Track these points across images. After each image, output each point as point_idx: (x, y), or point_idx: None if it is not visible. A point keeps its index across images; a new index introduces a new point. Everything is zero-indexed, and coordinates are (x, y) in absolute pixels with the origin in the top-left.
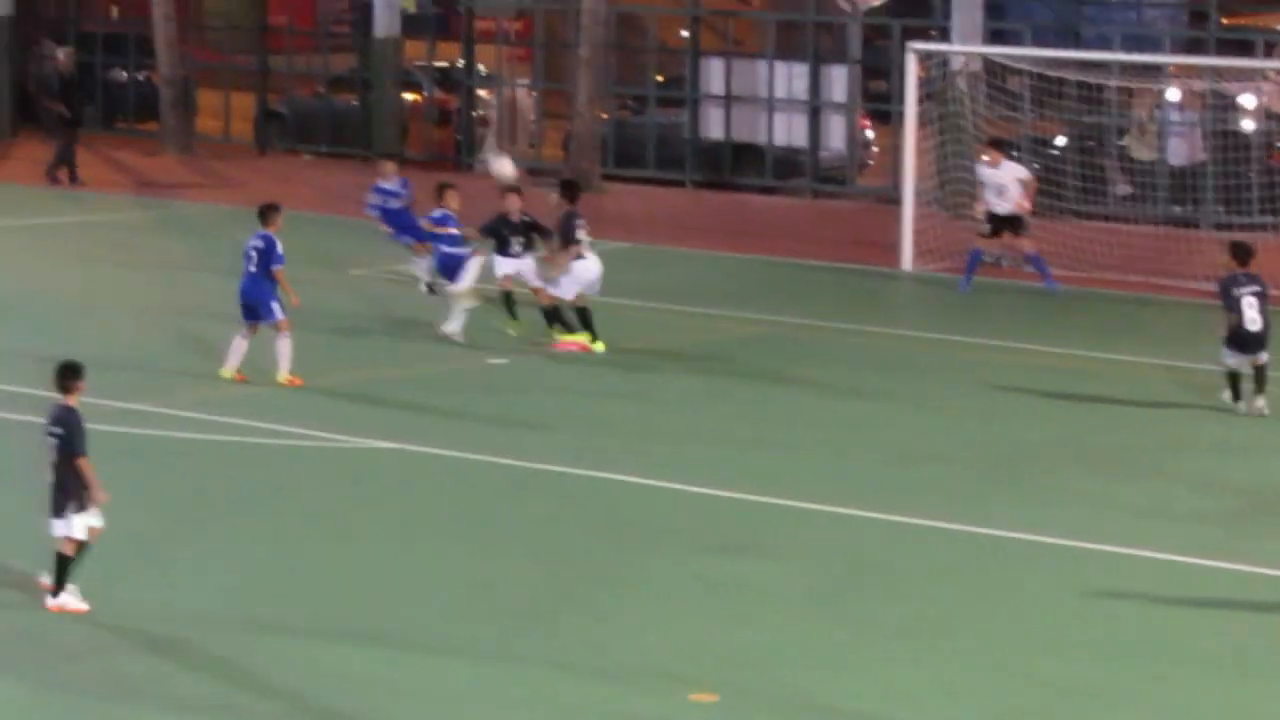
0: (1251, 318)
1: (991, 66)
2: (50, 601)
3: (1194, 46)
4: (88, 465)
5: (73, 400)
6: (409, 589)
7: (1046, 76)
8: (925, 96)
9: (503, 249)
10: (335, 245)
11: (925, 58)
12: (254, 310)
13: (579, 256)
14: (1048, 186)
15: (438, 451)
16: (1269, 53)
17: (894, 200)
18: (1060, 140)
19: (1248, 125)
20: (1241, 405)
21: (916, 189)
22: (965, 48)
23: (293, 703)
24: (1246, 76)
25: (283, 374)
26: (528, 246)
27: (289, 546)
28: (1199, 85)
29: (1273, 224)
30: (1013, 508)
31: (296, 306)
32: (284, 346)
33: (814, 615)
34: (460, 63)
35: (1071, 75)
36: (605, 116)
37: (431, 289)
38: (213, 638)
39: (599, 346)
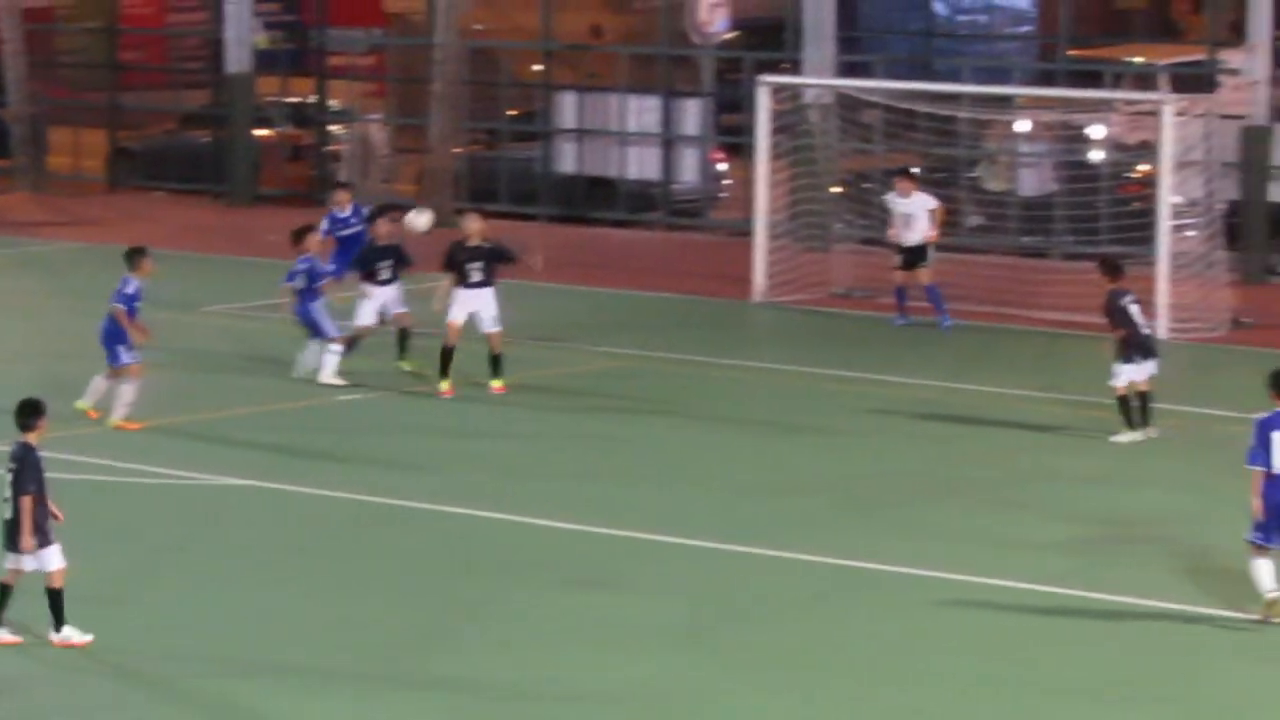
0: (1143, 322)
1: (844, 99)
2: (54, 637)
3: (1044, 78)
4: (26, 504)
5: (32, 438)
6: (271, 626)
7: (898, 109)
8: (778, 129)
9: (371, 276)
10: (187, 282)
11: (778, 90)
12: (107, 352)
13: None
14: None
15: (295, 489)
16: (1117, 84)
17: (747, 233)
18: (913, 172)
19: (1097, 156)
20: (1153, 430)
21: (769, 221)
22: (817, 80)
23: None
24: (1095, 108)
25: (116, 418)
26: (396, 272)
27: (147, 584)
28: (1049, 117)
29: (1122, 254)
30: (872, 539)
31: (145, 342)
32: (127, 392)
33: (675, 648)
34: (313, 98)
35: (923, 107)
36: (459, 151)
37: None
38: (66, 673)
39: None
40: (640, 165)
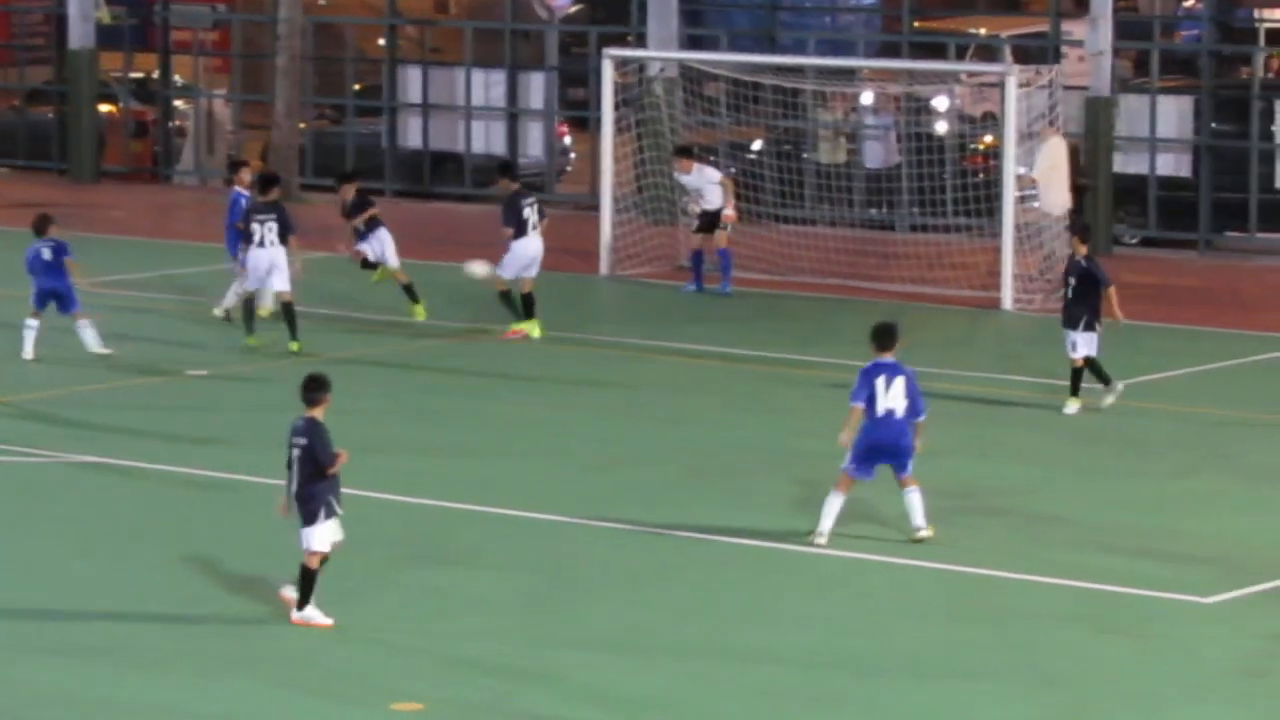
0: None
1: (688, 72)
2: (294, 615)
3: (888, 50)
4: (336, 469)
5: (318, 413)
6: (116, 603)
7: (743, 82)
8: (622, 103)
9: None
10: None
11: (622, 64)
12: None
13: (520, 235)
14: (745, 191)
15: (143, 465)
16: (961, 56)
17: (593, 207)
18: (757, 145)
19: (942, 128)
20: (1119, 384)
21: (615, 195)
22: (661, 53)
23: None
24: (940, 79)
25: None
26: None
27: None
28: (894, 89)
29: (967, 225)
30: (713, 510)
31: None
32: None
33: (519, 622)
34: (157, 74)
35: (768, 80)
36: (304, 126)
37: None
38: None
39: (537, 332)
40: (485, 139)
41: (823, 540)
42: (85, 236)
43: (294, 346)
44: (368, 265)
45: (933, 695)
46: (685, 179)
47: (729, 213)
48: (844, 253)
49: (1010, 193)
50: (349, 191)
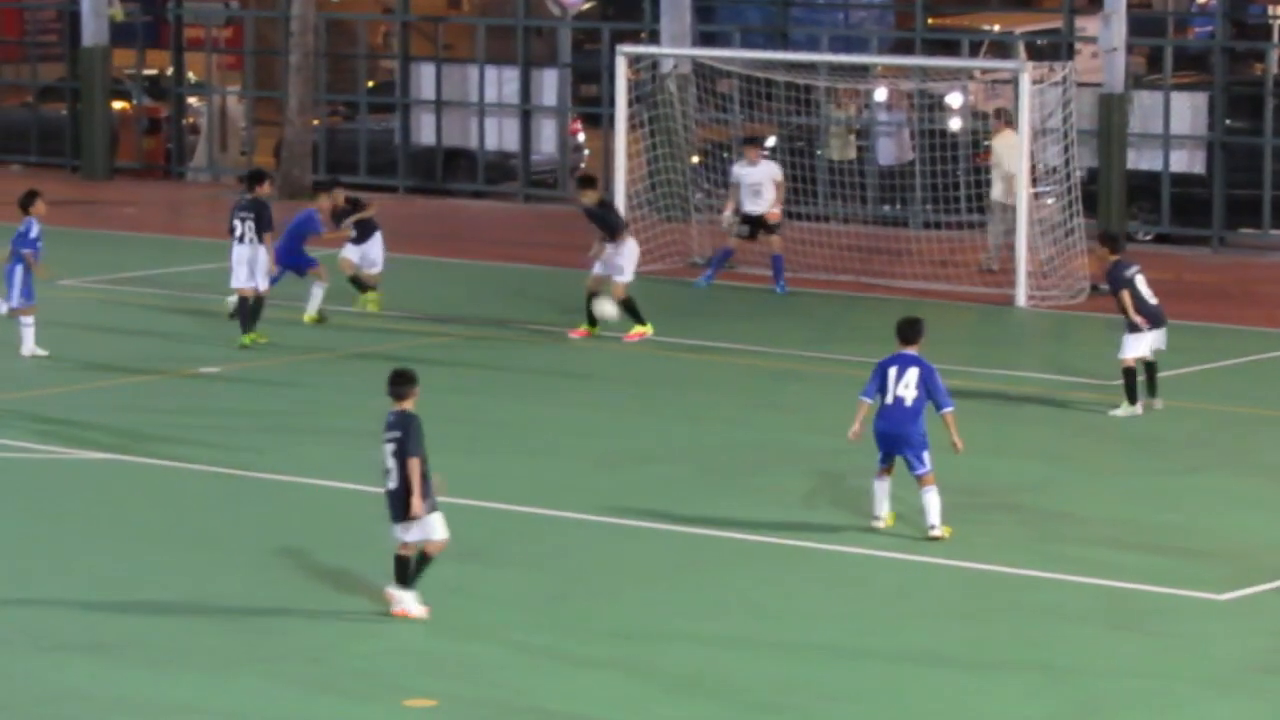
0: (1148, 293)
1: (701, 69)
2: (393, 590)
3: (901, 47)
4: (417, 466)
5: (408, 405)
6: (126, 600)
7: (756, 78)
8: (635, 99)
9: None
10: (46, 257)
11: (635, 61)
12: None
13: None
14: None
15: (152, 462)
16: (974, 52)
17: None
18: (770, 141)
19: (955, 124)
20: (1157, 401)
21: (628, 192)
22: (674, 50)
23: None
24: (953, 76)
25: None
26: (258, 232)
27: (3, 559)
28: (907, 85)
29: (980, 222)
30: (726, 506)
31: (48, 279)
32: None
33: (533, 618)
34: (170, 71)
35: (780, 77)
36: (317, 123)
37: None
38: None
39: (649, 329)
40: (498, 136)
41: (880, 524)
42: (97, 233)
43: (245, 340)
44: (358, 283)
45: (946, 690)
46: (747, 171)
47: (775, 211)
48: (856, 249)
49: (1024, 189)
50: (338, 197)
